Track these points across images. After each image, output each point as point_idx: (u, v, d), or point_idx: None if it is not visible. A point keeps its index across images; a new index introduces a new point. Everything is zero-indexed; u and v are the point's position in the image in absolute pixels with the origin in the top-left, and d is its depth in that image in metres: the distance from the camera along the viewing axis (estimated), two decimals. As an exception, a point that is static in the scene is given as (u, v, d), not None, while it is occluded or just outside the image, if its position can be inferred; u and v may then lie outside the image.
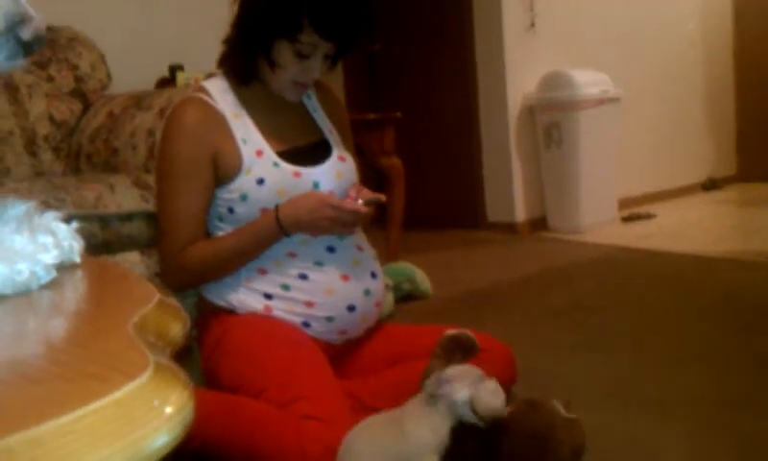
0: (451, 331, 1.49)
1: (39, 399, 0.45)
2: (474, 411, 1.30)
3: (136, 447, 0.42)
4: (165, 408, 0.45)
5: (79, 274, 0.80)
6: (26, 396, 0.46)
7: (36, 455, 0.38)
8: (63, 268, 0.79)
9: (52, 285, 0.74)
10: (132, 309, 0.63)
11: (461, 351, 1.45)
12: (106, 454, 0.41)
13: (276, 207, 1.61)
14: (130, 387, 0.45)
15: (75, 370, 0.51)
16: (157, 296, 0.69)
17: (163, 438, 0.43)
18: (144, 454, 0.42)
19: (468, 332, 1.50)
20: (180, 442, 0.45)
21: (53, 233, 0.79)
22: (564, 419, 1.37)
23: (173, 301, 0.72)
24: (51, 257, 0.75)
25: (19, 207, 0.78)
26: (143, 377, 0.46)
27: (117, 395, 0.44)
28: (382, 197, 1.65)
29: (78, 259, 0.82)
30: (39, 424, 0.40)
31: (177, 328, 0.65)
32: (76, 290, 0.77)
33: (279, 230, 1.61)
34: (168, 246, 1.66)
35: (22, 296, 0.71)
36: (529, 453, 1.35)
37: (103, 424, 0.42)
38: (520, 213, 4.89)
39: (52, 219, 0.82)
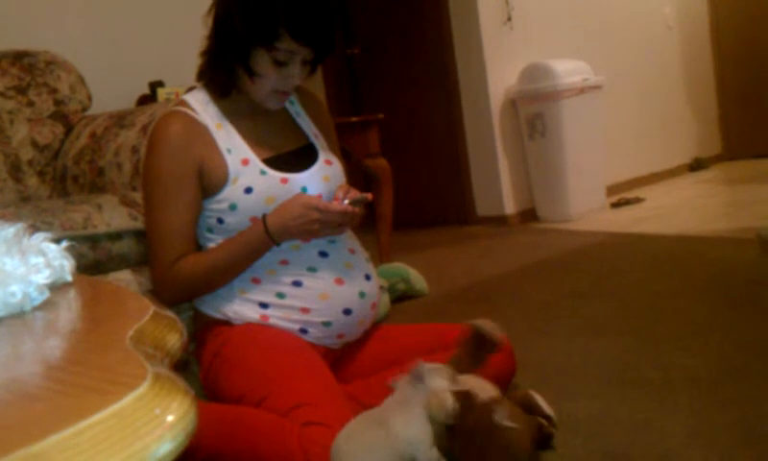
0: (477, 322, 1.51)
1: (40, 415, 0.45)
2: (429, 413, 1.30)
3: (140, 457, 0.42)
4: (167, 416, 0.45)
5: (72, 292, 0.80)
6: (26, 413, 0.46)
7: (39, 471, 0.38)
8: (56, 288, 0.78)
9: (46, 305, 0.74)
10: (128, 323, 0.63)
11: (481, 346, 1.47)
12: (109, 466, 0.40)
13: (264, 217, 1.61)
14: (130, 398, 0.45)
15: (74, 385, 0.50)
16: (152, 308, 0.69)
17: (166, 446, 0.43)
18: (148, 464, 0.42)
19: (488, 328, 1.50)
20: (183, 456, 0.45)
21: (43, 254, 0.78)
22: (498, 427, 1.33)
23: (168, 312, 0.71)
24: (43, 278, 0.75)
25: (8, 230, 0.78)
26: (142, 388, 0.46)
27: (118, 406, 0.44)
28: (368, 196, 1.65)
29: (70, 278, 0.81)
30: (41, 440, 0.39)
31: (174, 339, 0.65)
32: (70, 308, 0.77)
33: (269, 239, 1.60)
34: (159, 261, 1.66)
35: (16, 318, 0.71)
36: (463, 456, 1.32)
37: (105, 436, 0.41)
38: (509, 206, 4.90)
39: (42, 240, 0.81)
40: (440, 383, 1.32)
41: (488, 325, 1.49)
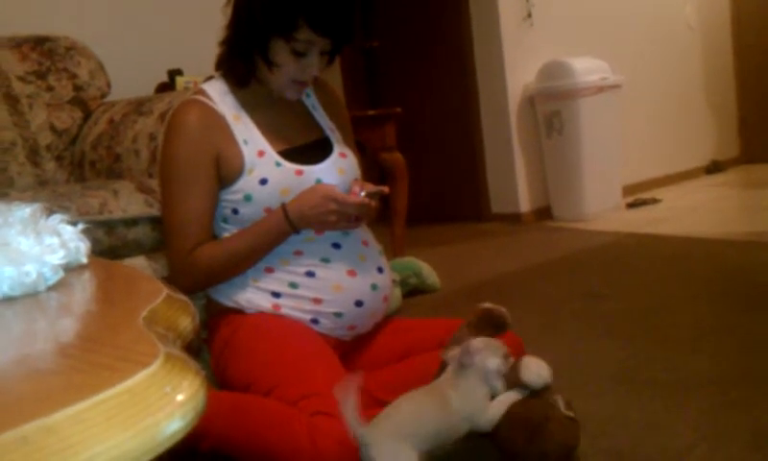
0: (487, 305, 1.54)
1: (53, 389, 0.46)
2: (521, 380, 1.37)
3: (150, 432, 0.42)
4: (177, 395, 0.45)
5: (86, 274, 0.81)
6: (39, 386, 0.47)
7: (51, 442, 0.39)
8: (71, 269, 0.79)
9: (60, 285, 0.74)
10: (141, 305, 0.63)
11: (492, 326, 1.50)
12: (119, 440, 0.41)
13: (284, 205, 1.61)
14: (141, 375, 0.45)
15: (87, 361, 0.51)
16: (165, 291, 0.69)
17: (176, 423, 0.44)
18: (157, 440, 0.43)
19: (502, 309, 1.56)
20: (192, 442, 0.46)
21: (59, 235, 0.79)
22: (561, 415, 1.37)
23: (181, 296, 0.72)
24: (57, 258, 0.76)
25: (24, 210, 0.79)
26: (154, 366, 0.47)
27: (129, 383, 0.44)
28: (385, 189, 1.65)
29: (85, 260, 0.82)
30: (53, 413, 0.40)
31: (186, 321, 0.65)
32: (84, 289, 0.78)
33: (289, 226, 1.61)
34: (176, 249, 1.66)
35: (31, 297, 0.71)
36: (517, 439, 1.35)
37: (116, 411, 0.42)
38: (525, 203, 4.89)
39: (58, 221, 0.82)
40: (493, 362, 1.38)
41: (498, 308, 1.54)
